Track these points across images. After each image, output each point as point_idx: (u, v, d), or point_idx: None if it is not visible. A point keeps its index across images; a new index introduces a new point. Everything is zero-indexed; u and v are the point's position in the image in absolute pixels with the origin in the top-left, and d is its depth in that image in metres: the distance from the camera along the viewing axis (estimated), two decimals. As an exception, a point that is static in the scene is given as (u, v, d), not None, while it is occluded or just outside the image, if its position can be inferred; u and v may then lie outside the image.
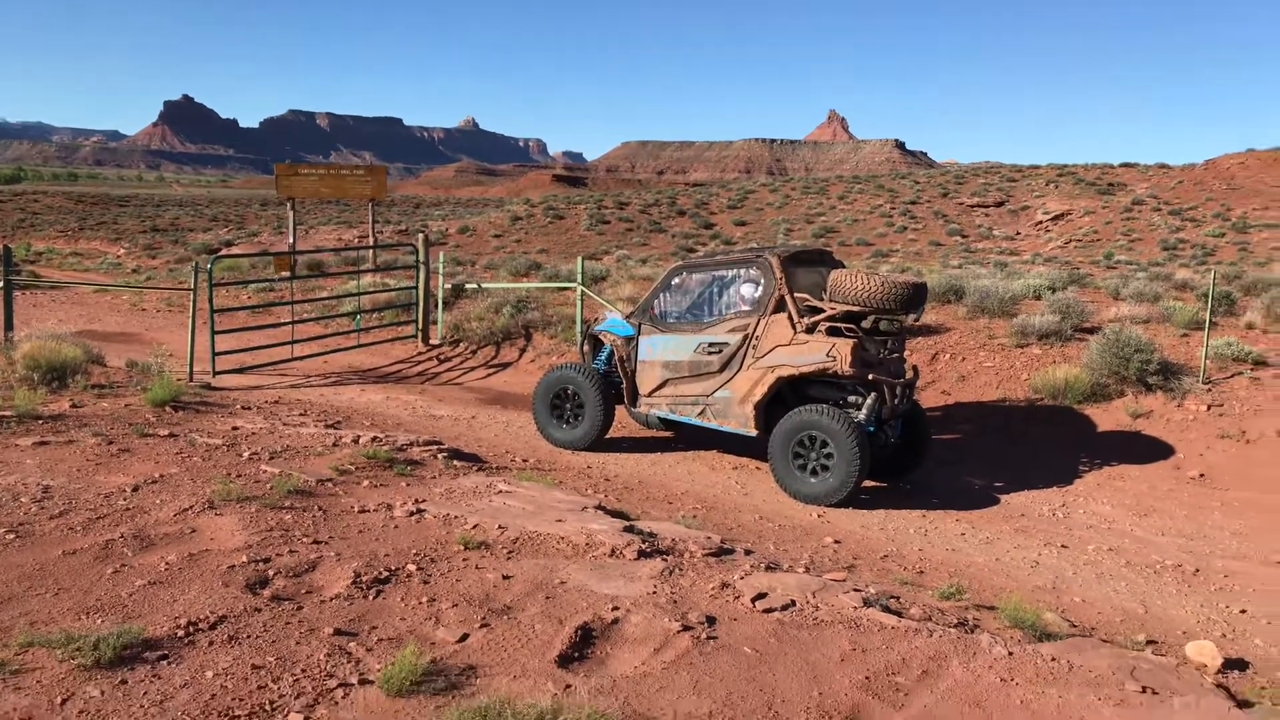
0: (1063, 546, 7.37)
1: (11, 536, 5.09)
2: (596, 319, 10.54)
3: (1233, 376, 10.51)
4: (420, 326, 14.71)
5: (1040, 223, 51.21)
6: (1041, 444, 9.84)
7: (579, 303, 13.85)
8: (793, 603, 4.91)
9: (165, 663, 3.84)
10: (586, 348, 10.00)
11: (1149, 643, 5.42)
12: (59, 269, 32.60)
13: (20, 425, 7.39)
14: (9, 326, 11.88)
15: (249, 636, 4.12)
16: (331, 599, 4.57)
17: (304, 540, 5.31)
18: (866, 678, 4.18)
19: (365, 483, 6.65)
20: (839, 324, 8.14)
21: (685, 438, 9.83)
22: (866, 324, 8.19)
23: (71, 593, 4.46)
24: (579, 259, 15.19)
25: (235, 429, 8.04)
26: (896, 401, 8.22)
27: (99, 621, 4.14)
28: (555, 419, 9.53)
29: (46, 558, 4.84)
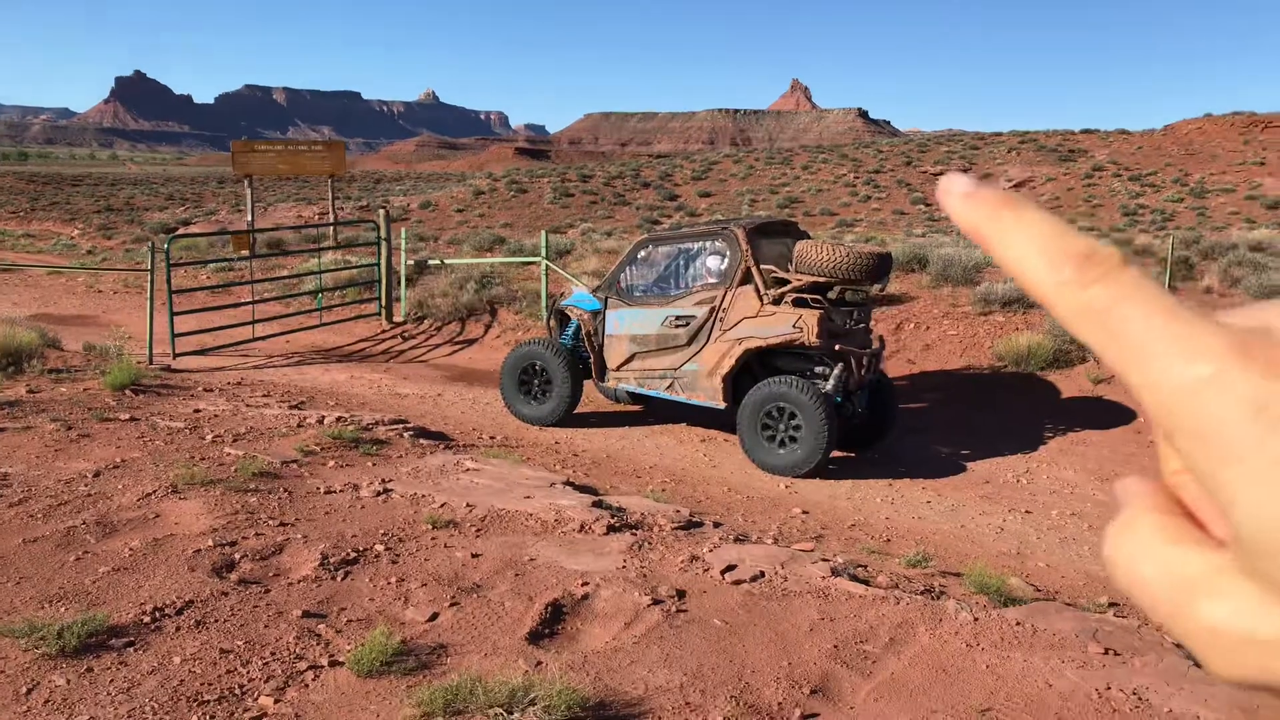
0: (1027, 512, 7.48)
1: (-31, 526, 5.00)
2: (563, 294, 10.51)
3: (1190, 340, 10.67)
4: (383, 304, 14.58)
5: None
6: (1006, 411, 9.95)
7: (544, 277, 13.78)
8: (761, 574, 4.95)
9: (132, 649, 3.80)
10: (553, 323, 9.97)
11: (1111, 605, 5.52)
12: (11, 251, 31.94)
13: (-25, 412, 7.25)
14: (-39, 311, 11.64)
15: (216, 621, 4.09)
16: (299, 581, 4.55)
17: (270, 523, 5.26)
18: (835, 646, 4.22)
19: (331, 463, 6.60)
20: (805, 295, 8.16)
21: (653, 411, 9.84)
22: (832, 295, 8.22)
23: (33, 581, 4.40)
24: (543, 233, 15.11)
25: (197, 411, 7.94)
26: (863, 372, 8.28)
27: (63, 610, 4.09)
28: (523, 395, 9.51)
29: (7, 546, 4.77)
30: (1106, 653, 4.28)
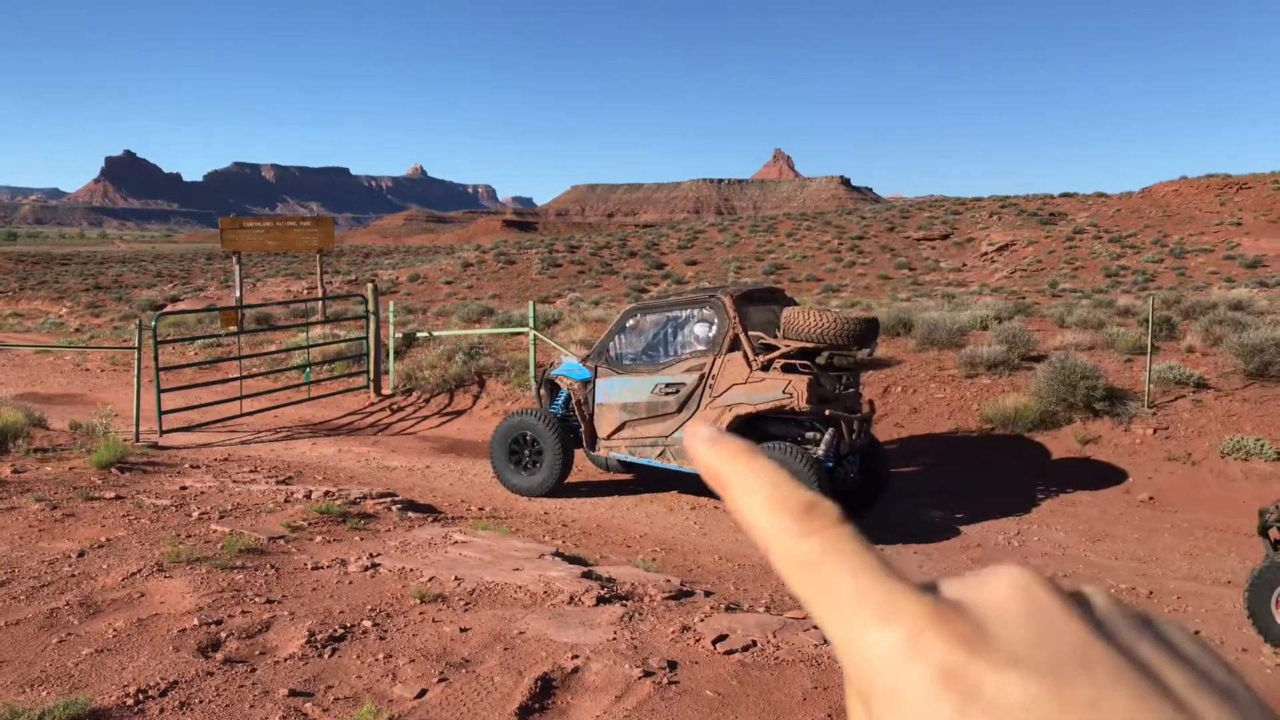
0: (1019, 574, 7.43)
1: (-49, 609, 4.94)
2: (552, 363, 10.53)
3: (1176, 400, 10.74)
4: (372, 377, 14.58)
5: (985, 254, 52.22)
6: (995, 473, 9.96)
7: (532, 347, 13.82)
8: (754, 643, 4.90)
9: (114, 734, 3.73)
10: (543, 392, 9.98)
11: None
12: (-1, 330, 31.91)
13: (-41, 493, 7.19)
14: (-53, 392, 11.60)
15: (201, 702, 4.02)
16: (286, 659, 4.48)
17: (256, 600, 5.20)
18: (828, 715, 4.17)
19: (318, 539, 6.55)
20: (794, 361, 8.21)
21: (644, 480, 9.81)
22: (821, 360, 8.27)
23: (15, 664, 4.33)
24: (531, 303, 15.19)
25: (184, 489, 7.89)
26: (854, 436, 8.29)
27: (44, 693, 4.02)
28: (513, 465, 9.48)
29: (-12, 629, 4.70)
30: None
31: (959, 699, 0.30)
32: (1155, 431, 10.19)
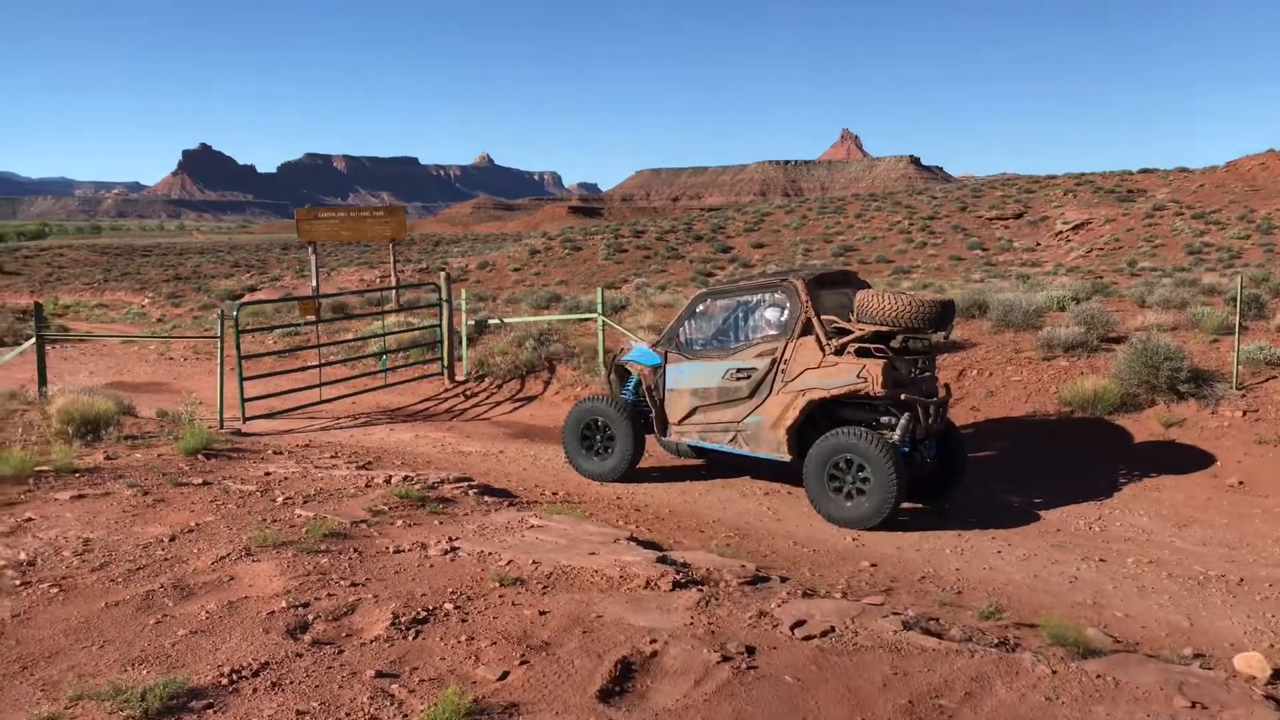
0: (1101, 560, 7.29)
1: (56, 590, 5.15)
2: (622, 349, 10.57)
3: (1266, 381, 10.40)
4: (445, 364, 14.79)
5: (1060, 233, 50.99)
6: (1075, 457, 9.75)
7: (600, 333, 13.89)
8: (832, 629, 4.89)
9: (211, 711, 3.87)
10: (613, 378, 10.03)
11: (1196, 656, 5.35)
12: (86, 321, 33.06)
13: (58, 479, 7.49)
14: (43, 381, 12.04)
15: (292, 682, 4.14)
16: (371, 641, 4.59)
17: (341, 583, 5.34)
18: (910, 701, 4.14)
19: (399, 523, 6.69)
20: (868, 345, 8.13)
21: (715, 465, 9.81)
22: (895, 343, 8.17)
23: (116, 644, 4.51)
24: (598, 289, 15.25)
25: (268, 474, 8.10)
26: (930, 421, 8.18)
27: (144, 672, 4.18)
28: (585, 451, 9.55)
29: (90, 610, 4.90)
30: (1193, 706, 4.15)
31: None
32: (1244, 414, 9.88)
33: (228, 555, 5.76)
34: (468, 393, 14.20)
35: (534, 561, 5.78)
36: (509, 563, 5.76)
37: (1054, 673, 4.44)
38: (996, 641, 4.99)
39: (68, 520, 6.46)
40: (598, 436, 9.49)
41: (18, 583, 5.25)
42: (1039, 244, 50.22)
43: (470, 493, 7.81)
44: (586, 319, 15.69)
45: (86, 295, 50.37)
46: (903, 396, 8.05)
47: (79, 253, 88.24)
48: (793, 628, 4.87)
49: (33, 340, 12.52)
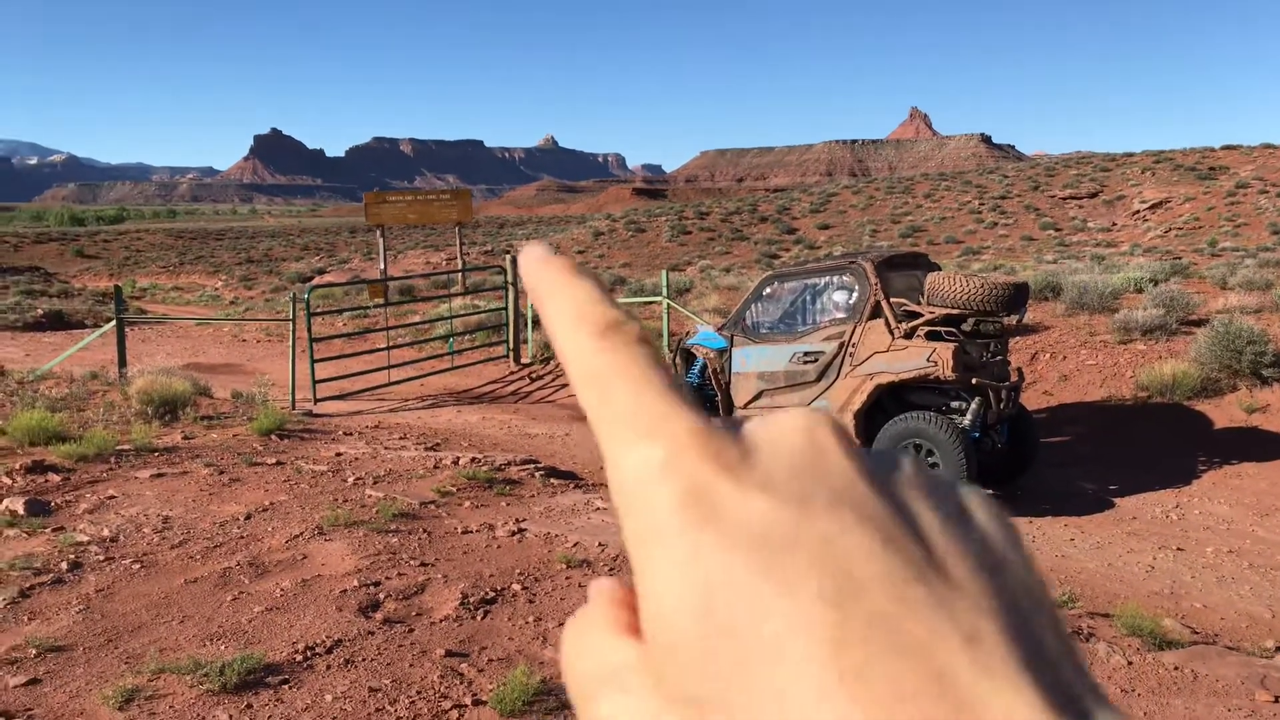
0: (1179, 549, 7.10)
1: (138, 566, 5.31)
2: (687, 333, 10.54)
3: (1355, 365, 10.00)
4: (511, 346, 14.91)
5: (1137, 212, 49.60)
6: (1151, 443, 9.50)
7: (665, 316, 13.87)
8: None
9: (287, 687, 3.96)
10: (678, 361, 10.01)
11: (1278, 649, 5.18)
12: (162, 304, 33.99)
13: (138, 458, 7.71)
14: (122, 363, 12.41)
15: (364, 660, 4.22)
16: (441, 620, 4.66)
17: (411, 563, 5.42)
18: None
19: (467, 504, 6.76)
20: (938, 328, 7.99)
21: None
22: (967, 327, 8.02)
23: (195, 620, 4.63)
24: (663, 272, 15.23)
25: (339, 455, 8.25)
26: (1002, 406, 8.02)
27: (222, 647, 4.29)
28: (650, 434, 9.55)
29: (170, 586, 5.04)
30: (1276, 700, 4.03)
31: (696, 516, 0.29)
32: (1332, 400, 9.53)
33: (301, 534, 5.88)
34: (533, 375, 14.30)
35: (600, 544, 5.81)
36: (575, 545, 5.80)
37: (1130, 664, 4.34)
38: (1070, 631, 4.90)
39: (148, 498, 6.65)
40: (664, 420, 9.47)
41: (102, 558, 5.42)
42: (1115, 224, 48.93)
43: (536, 475, 7.86)
44: (651, 302, 15.69)
45: (162, 278, 51.82)
46: (974, 381, 7.90)
47: (155, 236, 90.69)
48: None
49: (113, 323, 12.90)
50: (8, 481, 6.90)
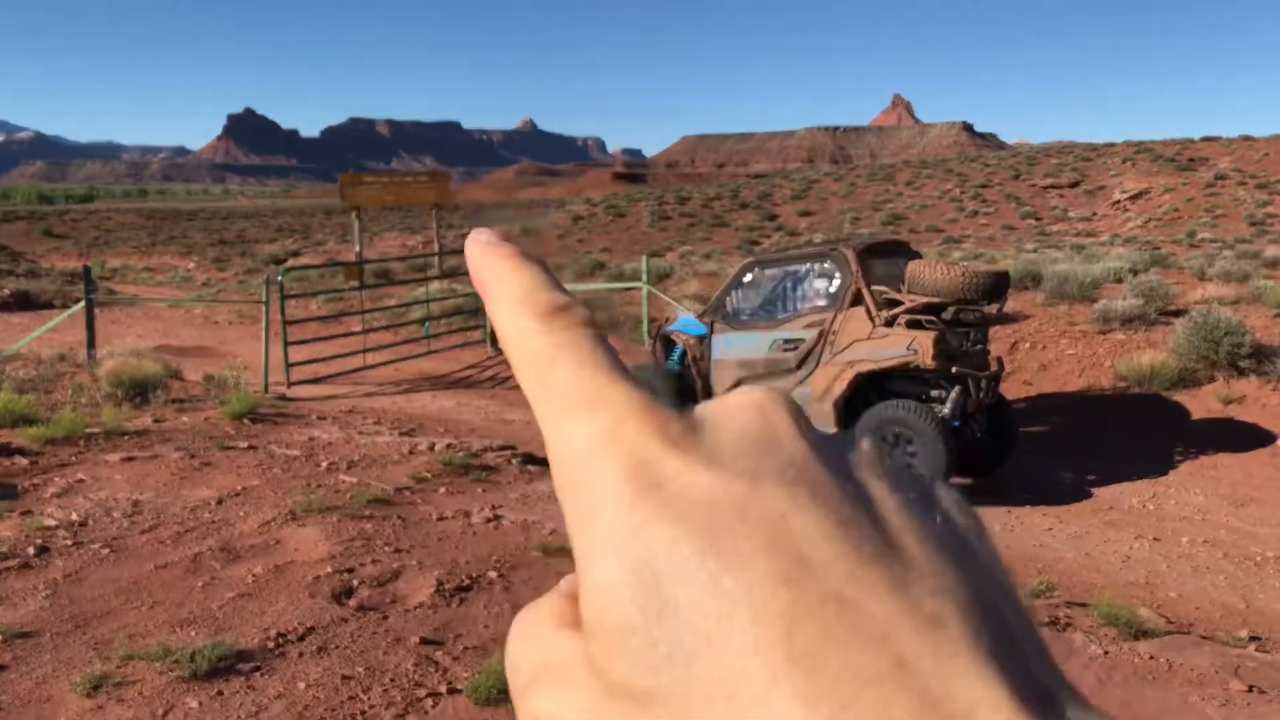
0: (1155, 539, 7.13)
1: (107, 551, 5.21)
2: (667, 319, 10.48)
3: (1330, 357, 10.08)
4: (488, 331, 14.80)
5: (1118, 202, 49.94)
6: (1129, 433, 9.54)
7: (645, 302, 13.81)
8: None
9: (258, 674, 3.88)
10: (658, 348, 9.95)
11: (1252, 639, 5.20)
12: (134, 284, 33.58)
13: (108, 441, 7.58)
14: (91, 344, 12.21)
15: (338, 647, 4.15)
16: (416, 608, 4.59)
17: (386, 549, 5.34)
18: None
19: (442, 490, 6.69)
20: (919, 316, 7.97)
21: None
22: (947, 315, 8.01)
23: (165, 606, 4.54)
24: (643, 258, 15.17)
25: (312, 440, 8.15)
26: (982, 395, 8.02)
27: (193, 634, 4.21)
28: (628, 420, 9.50)
29: (140, 571, 4.94)
30: (1250, 690, 4.03)
31: (638, 490, 0.27)
32: (1306, 391, 9.60)
33: (273, 520, 5.79)
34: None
35: (578, 531, 5.76)
36: (552, 532, 5.74)
37: (1106, 653, 4.34)
38: (1047, 620, 4.89)
39: (118, 482, 6.54)
40: (641, 406, 9.43)
41: (70, 543, 5.32)
42: (1095, 214, 49.24)
43: (513, 461, 7.79)
44: (631, 287, 15.62)
45: (134, 259, 51.17)
46: (954, 370, 7.89)
47: (126, 216, 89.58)
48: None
49: (82, 303, 12.70)
50: (-28, 465, 6.76)
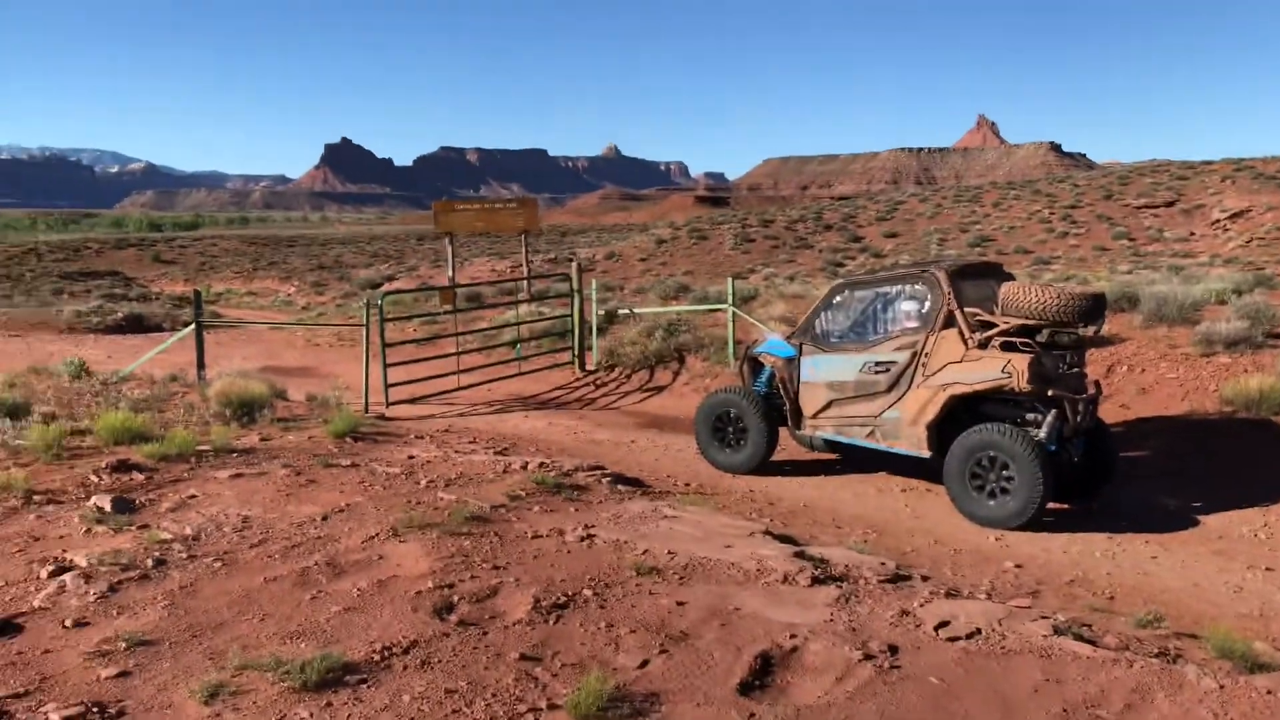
0: (1268, 570, 6.86)
1: (219, 564, 5.43)
2: (755, 340, 10.50)
3: None
4: (576, 353, 14.98)
5: (1217, 222, 48.19)
6: (1237, 459, 9.19)
7: (730, 324, 13.82)
8: (978, 631, 4.75)
9: (365, 686, 4.01)
10: (745, 369, 9.96)
11: (1378, 676, 4.97)
12: (236, 308, 34.76)
13: (217, 459, 7.89)
14: (201, 365, 12.73)
15: (440, 661, 4.26)
16: (514, 624, 4.68)
17: (484, 566, 5.46)
18: (1064, 711, 3.99)
19: (536, 508, 6.80)
20: (1013, 338, 7.85)
21: (850, 459, 9.64)
22: (1042, 337, 7.87)
23: (275, 618, 4.72)
24: (729, 279, 15.18)
25: (411, 458, 8.35)
26: (1079, 418, 7.85)
27: (302, 646, 4.36)
28: (718, 442, 9.53)
29: (251, 584, 5.14)
30: (1376, 730, 3.87)
31: None
32: None
33: (376, 535, 5.96)
34: (598, 382, 14.36)
35: (669, 551, 5.80)
36: (645, 552, 5.79)
37: (1221, 687, 4.20)
38: (1156, 652, 4.77)
39: (227, 498, 6.80)
40: (730, 429, 9.45)
41: (185, 556, 5.55)
42: (1193, 233, 47.59)
43: (604, 481, 7.88)
44: (716, 309, 15.65)
45: (237, 283, 53.02)
46: (1050, 393, 7.74)
47: (229, 243, 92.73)
48: (936, 628, 4.75)
49: (192, 326, 13.24)
50: (95, 479, 7.11)
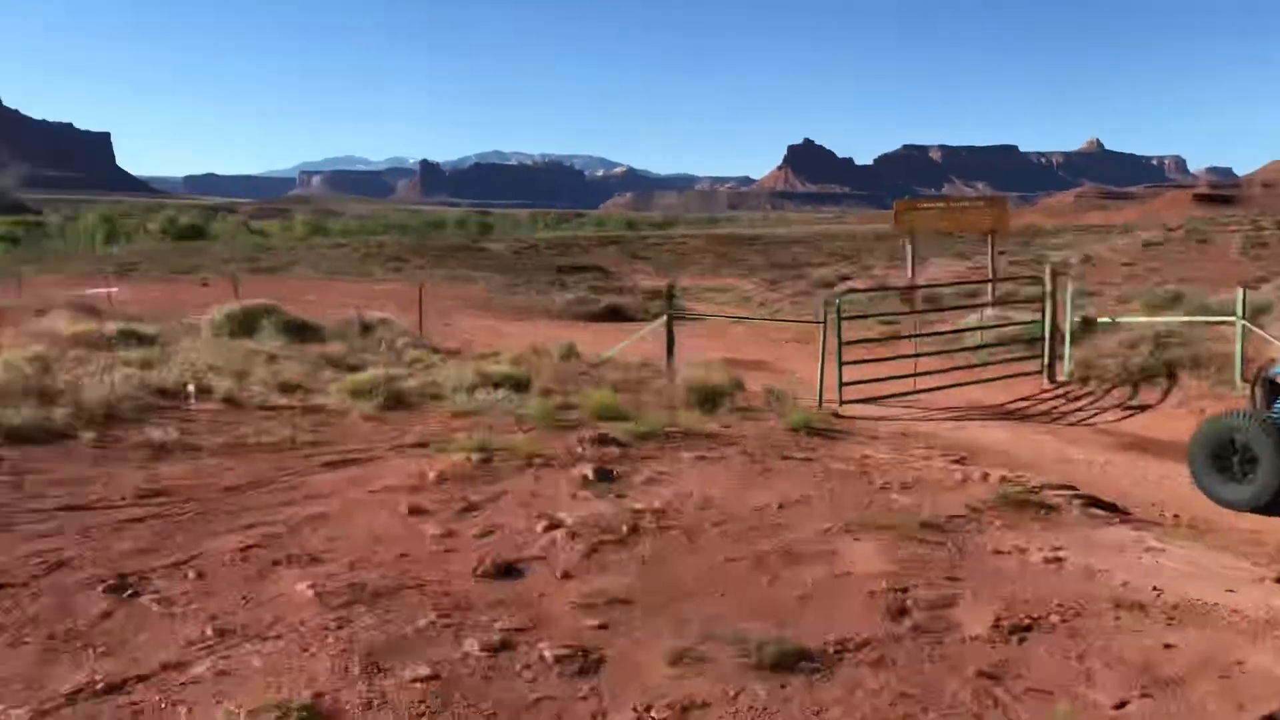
0: None
1: (684, 539, 5.78)
2: (1271, 360, 9.09)
3: None
4: (1046, 362, 13.98)
5: None
6: None
7: (1239, 339, 12.09)
8: None
9: (818, 675, 4.04)
10: (1258, 392, 8.65)
11: None
12: (699, 302, 36.94)
13: (684, 441, 8.41)
14: (670, 354, 13.69)
15: (893, 663, 4.18)
16: (972, 639, 4.46)
17: (939, 575, 5.27)
18: None
19: (996, 523, 6.43)
20: None
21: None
22: None
23: (734, 596, 4.92)
24: (1239, 289, 13.29)
25: (865, 458, 8.31)
26: None
27: (757, 625, 4.49)
28: (1218, 473, 8.35)
29: (713, 561, 5.41)
30: None
31: None
32: None
33: (830, 529, 6.00)
34: (1069, 396, 13.28)
35: (1154, 588, 5.19)
36: (1124, 584, 5.23)
37: None
38: None
39: (691, 478, 7.22)
40: (1235, 458, 8.23)
41: (654, 527, 5.98)
42: None
43: (1075, 502, 7.25)
44: (1220, 322, 13.79)
45: (701, 279, 56.40)
46: None
47: (696, 241, 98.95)
48: None
49: (664, 318, 14.29)
50: (580, 450, 7.90)
